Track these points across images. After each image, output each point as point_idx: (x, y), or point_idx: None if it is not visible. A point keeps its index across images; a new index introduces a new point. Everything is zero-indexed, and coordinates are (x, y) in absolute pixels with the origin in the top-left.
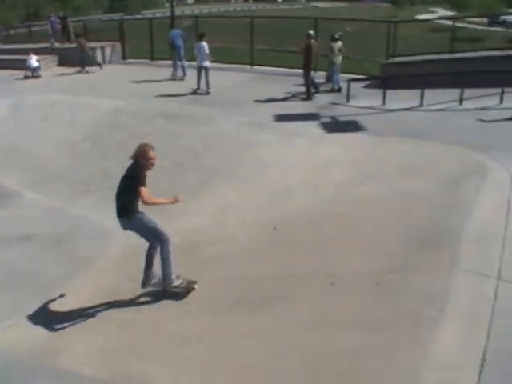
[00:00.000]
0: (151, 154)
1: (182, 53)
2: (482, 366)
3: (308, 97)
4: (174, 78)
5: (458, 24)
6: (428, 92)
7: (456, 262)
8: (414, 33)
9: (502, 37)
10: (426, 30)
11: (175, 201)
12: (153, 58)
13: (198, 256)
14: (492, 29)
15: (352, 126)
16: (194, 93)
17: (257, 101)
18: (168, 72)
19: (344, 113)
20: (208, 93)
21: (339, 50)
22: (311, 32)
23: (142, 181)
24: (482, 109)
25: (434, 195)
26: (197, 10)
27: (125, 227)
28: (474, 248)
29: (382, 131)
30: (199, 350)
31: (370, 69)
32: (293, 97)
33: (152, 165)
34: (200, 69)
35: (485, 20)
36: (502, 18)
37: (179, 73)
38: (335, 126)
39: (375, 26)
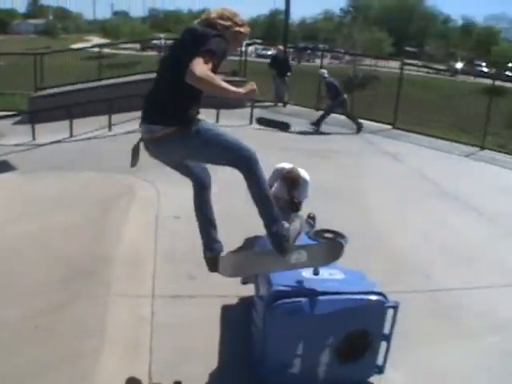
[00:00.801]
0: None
1: None
2: None
3: None
4: None
5: (112, 51)
6: (79, 121)
7: (110, 288)
8: (69, 62)
9: (155, 61)
10: (82, 58)
11: (249, 92)
12: None
13: None
14: (146, 53)
15: (1, 167)
16: None
17: None
18: None
19: None
20: None
21: None
22: None
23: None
24: (131, 132)
25: (85, 223)
26: None
27: (182, 146)
28: (127, 270)
29: (32, 167)
30: None
31: (21, 104)
32: None
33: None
34: None
35: (138, 46)
36: (153, 42)
37: None
38: None
39: (29, 58)
